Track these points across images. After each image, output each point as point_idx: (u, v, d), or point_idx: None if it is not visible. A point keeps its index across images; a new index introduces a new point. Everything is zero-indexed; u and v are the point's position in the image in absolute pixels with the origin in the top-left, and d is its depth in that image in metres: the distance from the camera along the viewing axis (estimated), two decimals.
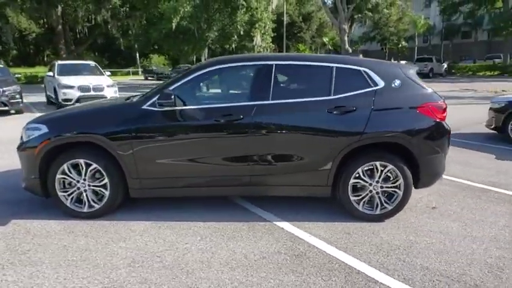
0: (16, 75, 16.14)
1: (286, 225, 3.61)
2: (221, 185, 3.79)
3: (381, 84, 3.68)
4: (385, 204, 3.68)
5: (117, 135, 3.60)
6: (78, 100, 11.71)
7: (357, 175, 3.64)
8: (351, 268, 2.88)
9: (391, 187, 3.65)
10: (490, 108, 7.86)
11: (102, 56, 53.40)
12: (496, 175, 5.30)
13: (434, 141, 3.69)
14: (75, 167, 3.69)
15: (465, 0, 39.61)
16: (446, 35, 52.16)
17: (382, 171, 3.61)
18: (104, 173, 3.66)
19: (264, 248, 3.19)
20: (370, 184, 3.65)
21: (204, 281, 2.69)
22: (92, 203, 3.74)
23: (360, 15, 34.95)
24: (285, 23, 38.96)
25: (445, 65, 36.71)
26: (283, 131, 3.64)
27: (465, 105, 13.15)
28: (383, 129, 3.61)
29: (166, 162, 3.67)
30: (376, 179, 3.63)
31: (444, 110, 3.74)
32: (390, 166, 3.60)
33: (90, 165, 3.65)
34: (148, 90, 4.02)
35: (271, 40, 31.36)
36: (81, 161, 3.65)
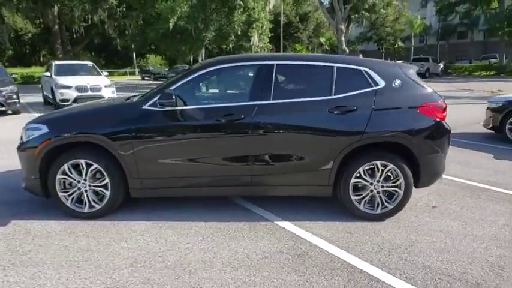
0: (13, 76, 16.06)
1: (287, 225, 3.62)
2: (222, 184, 3.79)
3: (382, 84, 3.70)
4: (385, 204, 3.70)
5: (118, 135, 3.60)
6: (75, 100, 11.66)
7: (358, 174, 3.65)
8: (353, 267, 2.89)
9: (391, 186, 3.67)
10: (488, 108, 7.90)
11: (98, 56, 53.16)
12: (495, 174, 5.33)
13: (434, 140, 3.70)
14: (76, 167, 3.68)
15: (461, 0, 39.84)
16: (442, 35, 52.39)
17: (382, 170, 3.63)
18: (105, 173, 3.65)
19: (266, 248, 3.19)
20: (371, 183, 3.66)
21: (207, 281, 2.69)
22: (93, 203, 3.73)
23: (356, 15, 35.02)
24: (282, 23, 38.97)
25: (442, 65, 36.89)
26: (284, 131, 3.65)
27: (462, 105, 13.21)
28: (384, 128, 3.62)
29: (168, 162, 3.66)
30: (377, 178, 3.65)
31: (444, 109, 3.76)
32: (391, 165, 3.61)
33: (91, 165, 3.64)
34: (146, 90, 4.01)
35: (268, 40, 31.35)
36: (82, 161, 3.64)
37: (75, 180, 3.68)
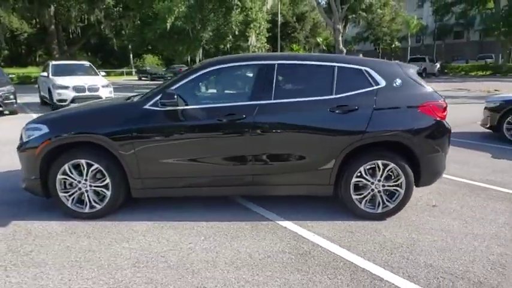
0: (10, 76, 15.98)
1: (289, 225, 3.62)
2: (223, 184, 3.79)
3: (382, 83, 3.71)
4: (386, 203, 3.71)
5: (118, 135, 3.58)
6: (73, 100, 11.63)
7: (359, 174, 3.65)
8: (355, 266, 2.90)
9: (392, 186, 3.68)
10: (485, 108, 7.94)
11: (95, 56, 52.92)
12: (493, 173, 5.36)
13: (435, 140, 3.71)
14: (77, 167, 3.66)
15: (457, 0, 40.05)
16: (438, 35, 52.64)
17: (383, 169, 3.64)
18: (106, 173, 3.64)
19: (268, 247, 3.19)
20: (372, 183, 3.67)
21: (210, 281, 2.69)
22: (94, 203, 3.71)
23: (353, 15, 35.14)
24: (279, 23, 38.98)
25: (438, 65, 37.05)
26: (285, 131, 3.65)
27: (459, 105, 13.26)
28: (384, 128, 3.63)
29: (169, 162, 3.66)
30: (378, 177, 3.65)
31: (444, 109, 3.78)
32: (392, 165, 3.62)
33: (92, 165, 3.63)
34: (144, 90, 4.01)
35: (265, 40, 31.36)
36: (83, 161, 3.62)
37: (75, 180, 3.67)
